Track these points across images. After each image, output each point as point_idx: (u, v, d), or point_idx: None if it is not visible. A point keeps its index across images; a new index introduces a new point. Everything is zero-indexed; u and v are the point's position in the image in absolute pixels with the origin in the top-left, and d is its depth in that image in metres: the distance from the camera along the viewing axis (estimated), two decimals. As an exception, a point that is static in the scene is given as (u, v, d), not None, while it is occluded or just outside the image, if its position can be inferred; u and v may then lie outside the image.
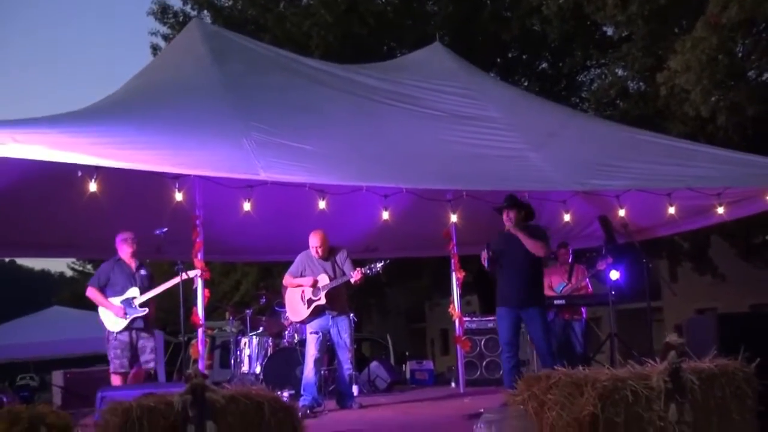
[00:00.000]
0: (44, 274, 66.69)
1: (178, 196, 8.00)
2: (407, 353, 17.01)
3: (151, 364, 7.89)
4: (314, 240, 8.16)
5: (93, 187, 7.00)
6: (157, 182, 8.01)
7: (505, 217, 7.39)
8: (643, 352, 6.18)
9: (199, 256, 8.22)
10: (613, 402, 3.74)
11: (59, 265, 73.90)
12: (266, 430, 3.87)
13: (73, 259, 36.90)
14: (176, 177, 7.93)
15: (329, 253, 8.22)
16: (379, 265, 7.98)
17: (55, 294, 42.00)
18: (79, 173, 6.94)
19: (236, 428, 3.82)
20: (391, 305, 28.32)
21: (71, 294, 35.05)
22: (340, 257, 8.22)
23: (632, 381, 3.81)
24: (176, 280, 7.72)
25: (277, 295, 11.94)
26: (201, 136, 7.48)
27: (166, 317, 22.56)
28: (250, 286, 23.27)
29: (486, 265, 7.21)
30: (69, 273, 43.57)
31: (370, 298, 22.70)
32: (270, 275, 22.57)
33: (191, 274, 7.91)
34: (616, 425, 3.72)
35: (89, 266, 33.62)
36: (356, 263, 8.24)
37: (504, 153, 8.73)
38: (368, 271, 7.97)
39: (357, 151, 8.17)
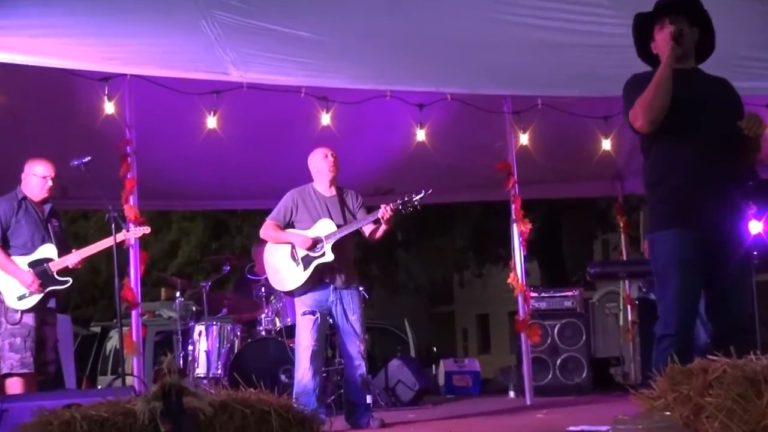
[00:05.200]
0: None
1: (108, 108, 8.03)
2: (434, 348, 17.11)
3: (52, 367, 7.89)
4: (321, 157, 8.08)
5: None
6: (74, 87, 8.04)
7: (660, 37, 5.64)
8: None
9: (132, 200, 8.20)
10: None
11: None
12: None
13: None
14: (105, 79, 7.91)
15: (336, 190, 8.19)
16: (417, 197, 7.91)
17: None
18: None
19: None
20: (404, 278, 28.46)
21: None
22: (351, 198, 8.18)
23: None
24: (120, 236, 7.77)
25: (244, 259, 11.95)
26: (139, 18, 7.47)
27: (67, 295, 22.76)
28: (192, 250, 23.47)
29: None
30: None
31: (371, 265, 22.81)
32: (225, 232, 22.77)
33: (137, 232, 7.94)
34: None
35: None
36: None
37: (600, 41, 8.69)
38: (402, 207, 7.88)
39: (377, 38, 8.20)
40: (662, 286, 5.56)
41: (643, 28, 5.64)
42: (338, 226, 7.94)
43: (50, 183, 7.82)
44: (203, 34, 7.45)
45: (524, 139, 9.82)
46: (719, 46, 8.40)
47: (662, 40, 5.47)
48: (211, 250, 22.61)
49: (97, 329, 14.31)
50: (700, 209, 5.41)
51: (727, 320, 5.50)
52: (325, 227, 7.97)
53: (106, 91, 8.00)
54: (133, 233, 7.91)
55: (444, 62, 8.26)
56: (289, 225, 8.11)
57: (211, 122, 8.84)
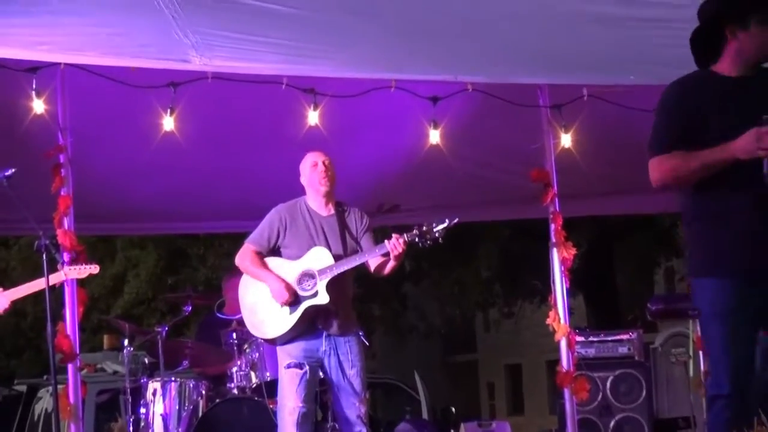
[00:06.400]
0: None
1: (38, 106, 8.04)
2: (453, 409, 17.07)
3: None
4: (310, 166, 8.10)
5: None
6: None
7: (756, 35, 6.23)
8: None
9: (67, 223, 8.19)
10: None
11: None
12: None
13: None
14: (32, 69, 7.91)
15: (335, 207, 8.20)
16: (440, 226, 7.96)
17: None
18: None
19: None
20: (413, 320, 28.47)
21: None
22: (354, 218, 8.18)
23: None
24: (58, 276, 7.81)
25: (210, 296, 11.95)
26: None
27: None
28: (142, 286, 23.50)
29: None
30: None
31: (372, 304, 22.79)
32: (185, 263, 22.77)
33: (80, 272, 7.96)
34: None
35: None
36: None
37: (659, 13, 8.64)
38: (419, 239, 7.92)
39: (378, 13, 8.23)
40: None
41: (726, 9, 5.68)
42: (336, 257, 7.94)
43: None
44: (156, 12, 7.46)
45: (566, 140, 9.76)
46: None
47: (758, 39, 5.53)
48: (166, 285, 22.65)
49: (23, 388, 14.30)
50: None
51: None
52: (320, 258, 7.96)
53: (34, 85, 7.99)
54: (74, 273, 7.88)
55: (463, 44, 8.28)
56: (275, 251, 8.15)
57: (168, 123, 8.80)
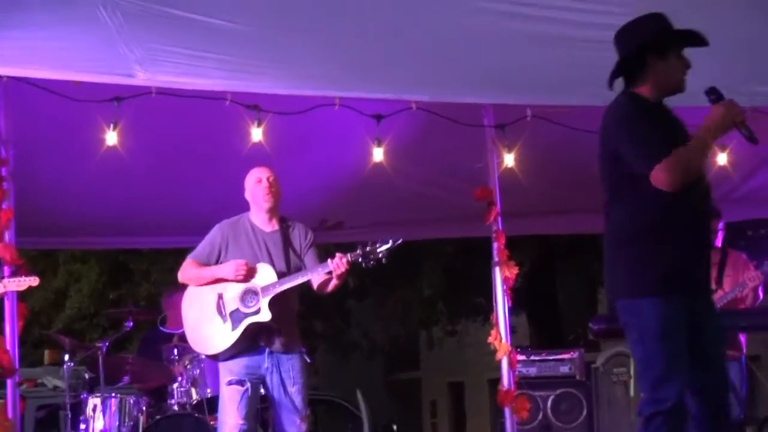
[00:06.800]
0: None
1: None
2: (395, 427, 17.08)
3: None
4: (254, 182, 8.14)
5: None
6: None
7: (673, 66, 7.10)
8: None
9: (8, 237, 8.11)
10: None
11: None
12: None
13: None
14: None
15: (279, 223, 8.20)
16: (383, 247, 8.00)
17: None
18: None
19: None
20: (356, 337, 28.45)
21: None
22: (298, 234, 8.20)
23: None
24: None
25: (152, 312, 11.91)
26: (19, 4, 7.51)
27: None
28: (84, 300, 23.36)
29: None
30: None
31: (315, 321, 22.77)
32: (127, 278, 22.66)
33: (20, 284, 7.89)
34: None
35: None
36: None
37: (598, 34, 8.53)
38: (362, 259, 7.95)
39: (323, 30, 8.26)
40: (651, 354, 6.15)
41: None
42: (279, 275, 7.97)
43: None
44: (101, 25, 7.48)
45: (509, 159, 9.79)
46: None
47: (674, 69, 6.11)
48: (108, 300, 22.53)
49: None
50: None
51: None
52: (263, 275, 7.99)
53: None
54: (14, 285, 7.84)
55: (408, 62, 8.31)
56: (216, 261, 8.17)
57: (111, 137, 8.75)
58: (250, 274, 7.96)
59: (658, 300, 6.13)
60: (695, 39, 6.21)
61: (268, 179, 8.08)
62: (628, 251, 6.12)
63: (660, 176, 5.79)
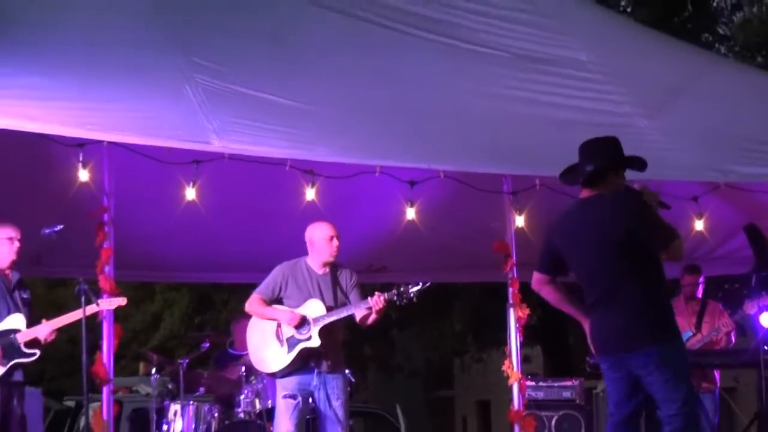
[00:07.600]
0: None
1: (83, 175, 8.05)
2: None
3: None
4: (325, 231, 8.15)
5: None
6: (46, 152, 8.12)
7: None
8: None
9: (107, 270, 8.28)
10: None
11: None
12: None
13: None
14: (80, 145, 7.93)
15: (329, 267, 8.26)
16: (414, 288, 8.02)
17: None
18: None
19: None
20: (400, 360, 28.30)
21: None
22: (345, 277, 8.26)
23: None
24: (92, 308, 7.84)
25: (225, 335, 11.98)
26: (119, 81, 7.51)
27: (42, 367, 22.61)
28: (176, 323, 23.42)
29: None
30: None
31: (364, 346, 22.69)
32: (210, 306, 22.68)
33: (111, 303, 8.02)
34: None
35: None
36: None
37: (599, 119, 8.72)
38: (396, 298, 8.00)
39: (367, 109, 8.25)
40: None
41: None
42: (328, 309, 8.03)
43: (17, 244, 7.84)
44: (186, 100, 7.51)
45: (520, 221, 9.84)
46: (731, 128, 8.65)
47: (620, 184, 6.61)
48: (194, 324, 22.62)
49: (71, 403, 14.29)
50: None
51: None
52: (314, 308, 8.05)
53: (81, 158, 8.01)
54: (106, 304, 7.96)
55: (438, 137, 8.30)
56: (277, 301, 8.20)
57: (190, 193, 8.87)
58: (300, 323, 8.02)
59: (682, 343, 6.82)
60: (639, 164, 6.71)
61: (337, 239, 8.12)
62: (664, 303, 6.52)
63: (679, 249, 6.41)
